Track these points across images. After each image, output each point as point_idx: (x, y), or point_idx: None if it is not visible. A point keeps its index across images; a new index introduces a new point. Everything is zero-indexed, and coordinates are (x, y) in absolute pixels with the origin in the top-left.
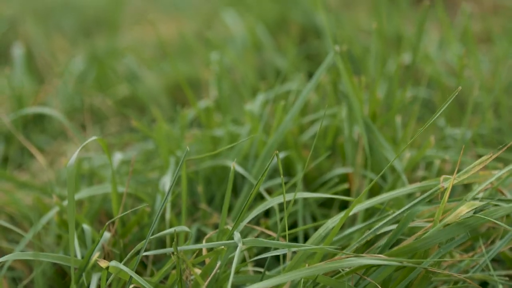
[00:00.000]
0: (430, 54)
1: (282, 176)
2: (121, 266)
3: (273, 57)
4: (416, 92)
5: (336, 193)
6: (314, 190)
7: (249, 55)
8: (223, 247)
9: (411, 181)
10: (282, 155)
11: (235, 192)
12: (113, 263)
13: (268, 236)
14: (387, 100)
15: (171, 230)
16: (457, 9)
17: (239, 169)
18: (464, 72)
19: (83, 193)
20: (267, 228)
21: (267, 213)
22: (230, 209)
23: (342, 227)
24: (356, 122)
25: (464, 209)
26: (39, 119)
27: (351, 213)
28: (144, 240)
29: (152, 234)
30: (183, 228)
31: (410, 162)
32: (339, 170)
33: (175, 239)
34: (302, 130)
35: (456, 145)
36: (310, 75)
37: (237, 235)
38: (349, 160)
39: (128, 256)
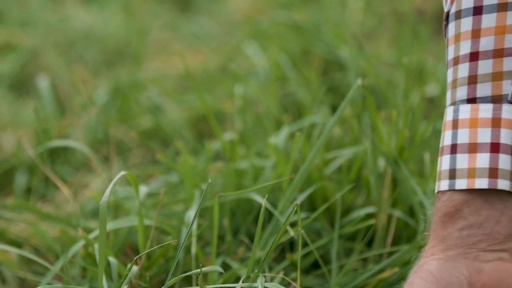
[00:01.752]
0: None
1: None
2: None
3: (296, 90)
4: (437, 125)
5: (360, 229)
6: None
7: (272, 87)
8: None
9: None
10: (305, 194)
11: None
12: None
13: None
14: (411, 132)
15: (198, 271)
16: None
17: (267, 205)
18: None
19: (109, 226)
20: (292, 262)
21: (292, 246)
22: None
23: None
24: (381, 155)
25: None
26: (63, 150)
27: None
28: (170, 274)
29: (177, 267)
30: (214, 267)
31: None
32: (367, 209)
33: (200, 275)
34: (326, 163)
35: None
36: (333, 108)
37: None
38: (373, 194)
39: None
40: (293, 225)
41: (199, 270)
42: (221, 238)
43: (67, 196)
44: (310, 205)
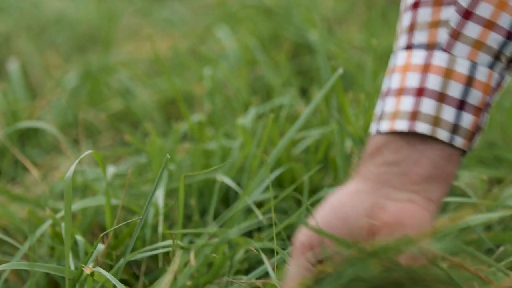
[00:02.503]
0: None
1: None
2: (104, 272)
3: (265, 73)
4: None
5: None
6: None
7: (241, 70)
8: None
9: None
10: (275, 173)
11: (228, 204)
12: (98, 269)
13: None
14: None
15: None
16: None
17: (229, 182)
18: None
19: (76, 205)
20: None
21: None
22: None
23: None
24: (348, 136)
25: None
26: (33, 133)
27: None
28: (128, 246)
29: (144, 246)
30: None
31: None
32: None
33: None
34: (294, 144)
35: None
36: (301, 90)
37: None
38: (341, 174)
39: (116, 266)
40: (260, 206)
41: (165, 245)
42: (189, 218)
43: (37, 178)
44: (278, 185)
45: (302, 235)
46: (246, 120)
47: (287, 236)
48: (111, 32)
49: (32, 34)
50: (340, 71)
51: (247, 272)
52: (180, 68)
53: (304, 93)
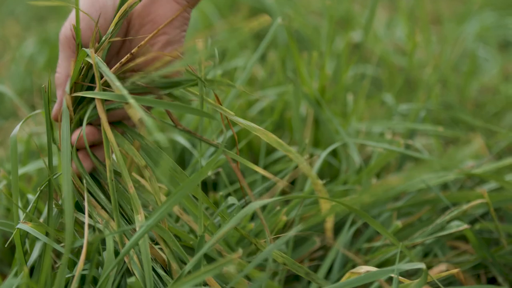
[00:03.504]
0: (378, 34)
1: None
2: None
3: (222, 36)
4: (364, 69)
5: (283, 169)
6: (263, 166)
7: (200, 36)
8: None
9: (363, 155)
10: (228, 135)
11: (183, 164)
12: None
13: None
14: (336, 76)
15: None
16: None
17: (184, 142)
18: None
19: (30, 166)
20: (215, 201)
21: (215, 187)
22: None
23: None
24: (304, 97)
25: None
26: None
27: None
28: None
29: None
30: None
31: (360, 136)
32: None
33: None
34: (250, 105)
35: (405, 121)
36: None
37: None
38: (296, 135)
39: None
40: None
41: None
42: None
43: None
44: (233, 145)
45: (65, 28)
46: None
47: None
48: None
49: None
50: (279, 20)
51: None
52: None
53: (263, 57)
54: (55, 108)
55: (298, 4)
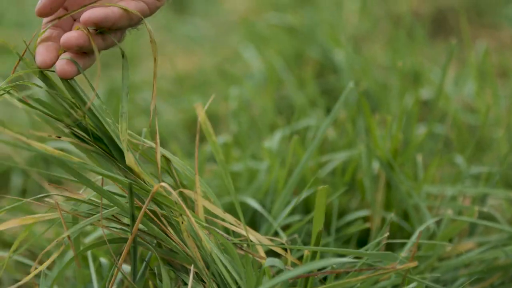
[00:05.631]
0: (446, 90)
1: None
2: None
3: (291, 92)
4: (432, 127)
5: (355, 232)
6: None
7: (267, 89)
8: None
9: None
10: (300, 197)
11: (255, 226)
12: None
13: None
14: (405, 134)
15: None
16: (473, 43)
17: (257, 206)
18: (481, 108)
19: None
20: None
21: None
22: None
23: None
24: (375, 158)
25: None
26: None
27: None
28: None
29: None
30: None
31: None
32: (361, 212)
33: None
34: (321, 166)
35: (477, 183)
36: (327, 111)
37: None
38: (368, 197)
39: None
40: (286, 228)
41: None
42: None
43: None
44: (305, 207)
45: None
46: (272, 143)
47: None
48: (135, 49)
49: None
50: (351, 84)
51: None
52: (204, 87)
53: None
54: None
55: (365, 58)
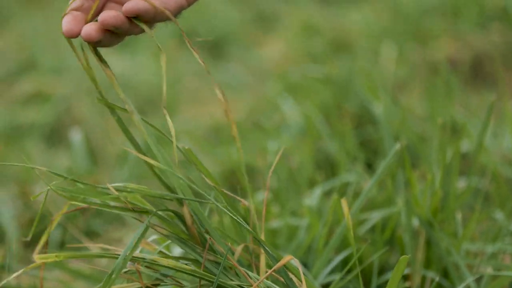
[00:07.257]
0: (484, 142)
1: None
2: None
3: (329, 145)
4: (471, 182)
5: None
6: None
7: (305, 142)
8: None
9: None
10: (341, 256)
11: None
12: None
13: None
14: (444, 188)
15: None
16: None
17: (299, 266)
18: None
19: None
20: None
21: None
22: None
23: None
24: (415, 215)
25: None
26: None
27: None
28: None
29: None
30: None
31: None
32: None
33: None
34: (360, 223)
35: None
36: (366, 164)
37: None
38: (408, 252)
39: None
40: (327, 286)
41: None
42: None
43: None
44: (345, 265)
45: None
46: (312, 200)
47: None
48: (172, 96)
49: (93, 97)
50: (398, 146)
51: None
52: (241, 138)
53: (370, 167)
54: None
55: (403, 108)
